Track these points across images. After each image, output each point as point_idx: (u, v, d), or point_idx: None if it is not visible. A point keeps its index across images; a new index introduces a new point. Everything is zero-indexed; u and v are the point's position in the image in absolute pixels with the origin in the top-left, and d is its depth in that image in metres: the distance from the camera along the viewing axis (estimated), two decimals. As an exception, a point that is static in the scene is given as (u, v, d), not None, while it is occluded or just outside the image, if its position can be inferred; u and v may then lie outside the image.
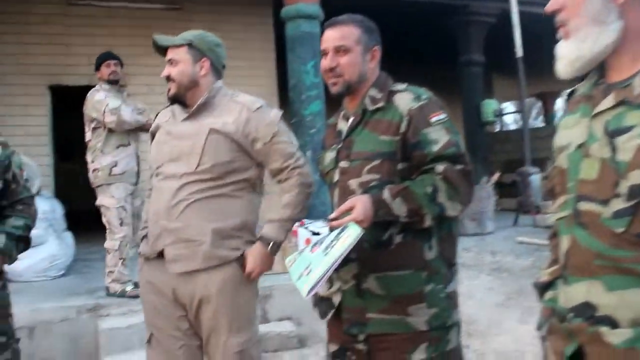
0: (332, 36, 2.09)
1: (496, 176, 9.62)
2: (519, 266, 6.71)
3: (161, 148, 2.52)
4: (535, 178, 9.47)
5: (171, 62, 2.51)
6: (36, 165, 6.09)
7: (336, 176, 2.11)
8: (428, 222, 1.94)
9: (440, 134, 1.98)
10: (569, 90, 1.55)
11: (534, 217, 9.13)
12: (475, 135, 10.21)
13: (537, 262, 6.79)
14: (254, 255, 2.44)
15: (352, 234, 1.82)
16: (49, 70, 7.26)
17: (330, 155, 2.16)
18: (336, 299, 2.08)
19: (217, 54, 2.59)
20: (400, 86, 2.11)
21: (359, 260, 1.99)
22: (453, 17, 9.77)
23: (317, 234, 5.40)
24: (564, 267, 1.38)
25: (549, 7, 1.40)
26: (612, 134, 1.28)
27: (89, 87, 4.99)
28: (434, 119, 2.00)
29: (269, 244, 2.46)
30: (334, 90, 2.11)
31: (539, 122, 21.54)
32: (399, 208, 1.90)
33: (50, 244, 5.59)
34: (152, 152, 2.59)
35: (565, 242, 1.37)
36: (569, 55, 1.37)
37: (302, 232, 5.40)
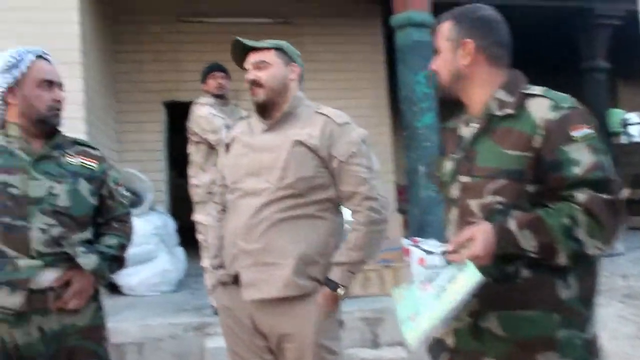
0: (434, 37, 1.92)
1: (626, 192, 8.94)
2: None
3: (239, 162, 2.33)
4: None
5: (259, 65, 2.33)
6: (150, 181, 6.20)
7: (455, 192, 1.84)
8: (561, 259, 1.62)
9: (583, 153, 1.63)
10: None
11: None
12: None
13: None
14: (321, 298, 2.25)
15: (469, 279, 1.57)
16: (162, 87, 7.46)
17: (449, 166, 1.89)
18: (449, 341, 1.80)
19: (301, 63, 2.44)
20: (536, 89, 1.77)
21: (478, 294, 1.65)
22: (576, 20, 9.35)
23: (431, 252, 5.17)
24: None
25: None
26: None
27: (200, 104, 4.98)
28: (577, 134, 1.65)
29: (336, 288, 2.25)
30: (439, 93, 1.93)
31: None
32: (527, 241, 1.62)
33: (161, 259, 5.68)
34: (227, 167, 2.41)
35: None
36: None
37: (415, 252, 5.16)
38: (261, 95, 2.30)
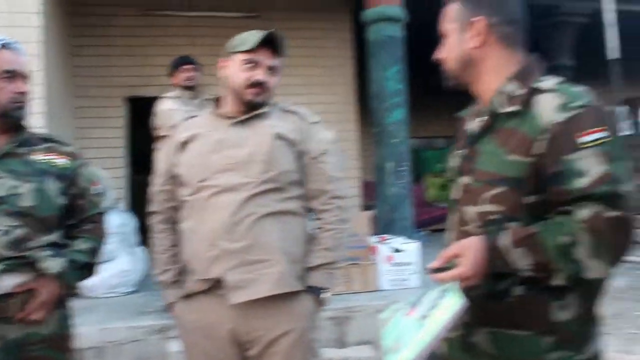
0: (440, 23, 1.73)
1: None
2: (614, 288, 6.28)
3: (207, 159, 2.16)
4: None
5: (273, 69, 2.23)
6: (110, 178, 6.03)
7: (457, 193, 1.68)
8: (559, 281, 1.45)
9: (591, 162, 1.41)
10: None
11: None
12: None
13: (635, 283, 6.55)
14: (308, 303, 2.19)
15: (452, 305, 1.43)
16: (127, 82, 7.31)
17: (454, 162, 1.73)
18: (442, 350, 1.69)
19: None
20: (549, 83, 1.54)
21: (470, 307, 1.50)
22: (543, 19, 9.46)
23: (399, 250, 5.11)
24: None
25: None
26: None
27: (167, 99, 4.86)
28: (584, 139, 1.42)
29: (320, 293, 2.19)
30: (446, 85, 1.73)
31: (626, 130, 20.68)
32: (522, 260, 1.44)
33: (121, 259, 5.52)
34: (190, 166, 2.21)
35: None
36: None
37: (383, 249, 5.10)
38: (263, 97, 2.20)
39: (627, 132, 18.55)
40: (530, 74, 1.58)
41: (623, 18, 8.95)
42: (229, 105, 2.26)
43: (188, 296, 2.18)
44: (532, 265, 1.44)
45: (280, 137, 2.15)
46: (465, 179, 1.63)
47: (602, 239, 1.38)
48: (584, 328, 1.54)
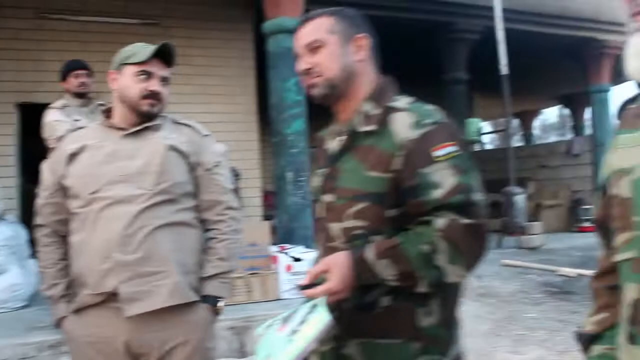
0: (301, 34, 1.70)
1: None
2: (506, 291, 6.67)
3: (98, 170, 2.13)
4: (520, 198, 9.56)
5: (166, 81, 2.24)
6: (0, 188, 5.77)
7: (322, 211, 1.71)
8: (422, 287, 1.52)
9: (445, 175, 1.50)
10: (623, 102, 1.28)
11: (519, 239, 9.23)
12: None
13: (524, 287, 6.83)
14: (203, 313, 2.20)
15: (319, 321, 1.45)
16: (18, 87, 7.02)
17: (316, 181, 1.76)
18: None
19: None
20: (402, 101, 1.62)
21: (340, 320, 1.55)
22: (438, 34, 9.91)
23: (298, 259, 5.18)
24: (632, 322, 1.12)
25: None
26: None
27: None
28: (437, 153, 1.51)
29: (216, 303, 2.20)
30: (315, 93, 1.68)
31: (516, 141, 21.81)
32: (387, 271, 1.50)
33: (11, 272, 5.28)
34: (80, 177, 2.16)
35: (631, 292, 1.12)
36: None
37: (283, 259, 5.15)
38: (158, 108, 2.20)
39: (519, 144, 19.60)
40: (384, 94, 1.65)
41: (514, 36, 9.48)
42: (120, 117, 2.24)
43: (79, 310, 2.14)
44: (397, 275, 1.49)
45: (173, 149, 2.16)
46: (328, 197, 1.67)
47: (459, 245, 1.47)
48: (448, 332, 1.62)
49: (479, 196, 1.50)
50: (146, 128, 2.21)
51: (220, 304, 2.20)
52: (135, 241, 2.05)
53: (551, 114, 31.60)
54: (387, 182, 1.54)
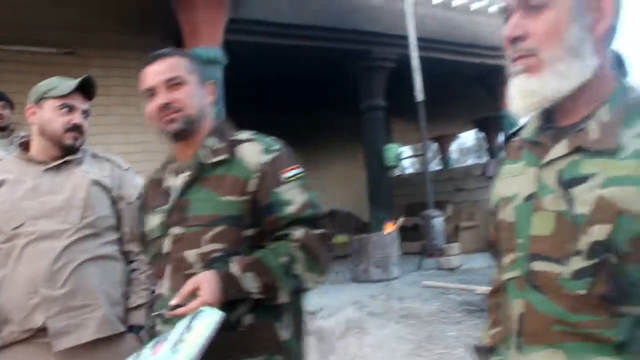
0: (158, 70, 1.79)
1: (400, 221, 9.87)
2: (426, 311, 6.81)
3: (19, 205, 2.15)
4: (438, 221, 9.73)
5: (86, 113, 2.29)
6: None
7: (166, 246, 1.76)
8: (283, 297, 1.68)
9: (295, 193, 1.72)
10: (508, 134, 1.45)
11: (438, 260, 9.37)
12: (377, 181, 10.44)
13: (443, 306, 6.98)
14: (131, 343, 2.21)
15: (210, 319, 1.52)
16: None
17: (156, 220, 1.81)
18: None
19: None
20: (245, 135, 1.82)
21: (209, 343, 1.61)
22: (355, 62, 10.08)
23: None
24: (518, 335, 1.25)
25: (510, 33, 1.25)
26: (568, 184, 1.17)
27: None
28: (287, 175, 1.74)
29: (142, 332, 2.22)
30: (173, 128, 1.75)
31: (435, 165, 22.41)
32: (251, 284, 1.62)
33: None
34: (1, 213, 2.16)
35: (517, 307, 1.25)
36: (543, 90, 1.22)
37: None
38: (80, 141, 2.26)
39: (438, 167, 20.15)
40: (225, 131, 1.83)
41: (429, 64, 9.77)
42: (40, 150, 2.25)
43: (3, 347, 2.12)
44: (260, 287, 1.64)
45: (96, 183, 2.20)
46: (175, 230, 1.74)
47: (314, 253, 1.69)
48: (299, 343, 1.79)
49: (322, 209, 1.75)
50: (67, 162, 2.24)
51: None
52: (62, 276, 2.07)
53: (468, 137, 32.64)
54: (243, 204, 1.70)
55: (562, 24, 1.20)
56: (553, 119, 1.28)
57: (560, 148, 1.21)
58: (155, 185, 1.89)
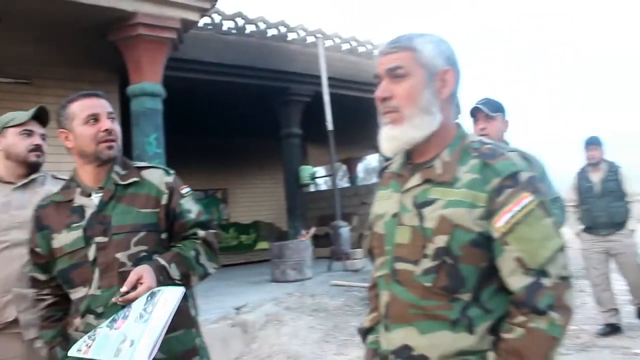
0: (102, 104, 1.89)
1: (313, 230, 9.84)
2: (333, 306, 6.87)
3: None
4: (345, 230, 9.73)
5: (43, 136, 2.35)
6: None
7: (92, 254, 1.81)
8: (195, 282, 1.91)
9: (191, 204, 1.96)
10: (381, 167, 1.60)
11: (344, 263, 9.37)
12: (294, 196, 10.45)
13: (348, 302, 7.06)
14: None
15: (173, 294, 1.64)
16: None
17: (73, 235, 1.83)
18: None
19: None
20: (144, 163, 2.01)
21: None
22: (275, 97, 10.07)
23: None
24: (385, 317, 1.40)
25: (380, 94, 1.39)
26: (420, 206, 1.33)
27: None
28: (184, 191, 1.96)
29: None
30: (110, 153, 1.85)
31: (344, 183, 22.57)
32: (175, 272, 1.81)
33: None
34: None
35: (385, 296, 1.40)
36: (403, 137, 1.37)
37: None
38: (41, 159, 2.31)
39: (346, 185, 20.29)
40: (127, 161, 1.96)
41: (338, 99, 9.89)
42: (6, 172, 2.31)
43: None
44: (181, 274, 1.83)
45: None
46: (99, 239, 1.82)
47: (211, 247, 1.96)
48: (198, 318, 2.01)
49: (210, 216, 1.92)
50: (32, 181, 2.29)
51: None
52: (26, 278, 2.09)
53: (373, 159, 33.09)
54: (158, 214, 1.89)
55: (417, 90, 1.35)
56: (411, 157, 1.43)
57: (415, 179, 1.36)
58: (58, 206, 1.91)
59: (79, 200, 1.87)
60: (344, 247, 9.54)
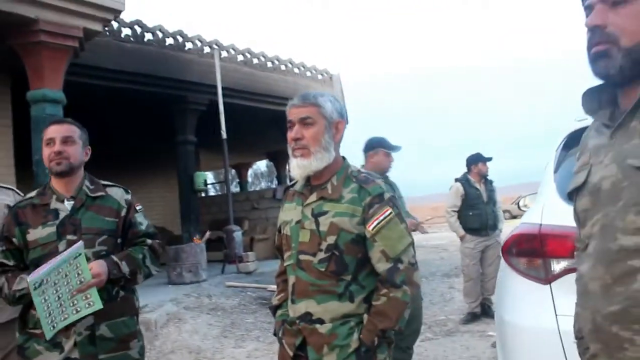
0: (59, 129, 2.23)
1: (208, 234, 9.96)
2: (229, 305, 7.13)
3: None
4: (238, 234, 9.91)
5: None
6: None
7: (62, 247, 2.14)
8: (140, 280, 2.28)
9: (143, 218, 2.37)
10: (287, 187, 2.04)
11: (238, 265, 9.58)
12: (189, 201, 10.49)
13: (243, 301, 7.33)
14: None
15: (75, 246, 2.06)
16: None
17: (47, 230, 2.17)
18: (74, 354, 2.13)
19: None
20: (108, 182, 2.38)
21: (94, 314, 2.10)
22: (172, 105, 10.03)
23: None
24: (292, 293, 1.84)
25: (293, 135, 1.79)
26: (316, 215, 1.79)
27: None
28: (138, 207, 2.37)
29: None
30: (59, 169, 2.19)
31: (234, 188, 22.52)
32: (125, 268, 2.18)
33: None
34: None
35: (292, 279, 1.85)
36: (310, 167, 1.79)
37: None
38: None
39: (237, 190, 20.21)
40: (93, 179, 2.35)
41: (232, 108, 10.11)
42: None
43: None
44: (129, 271, 2.20)
45: (7, 206, 2.44)
46: (70, 236, 2.17)
47: (155, 253, 2.35)
48: (139, 309, 2.40)
49: (154, 228, 2.42)
50: None
51: None
52: None
53: (261, 164, 33.17)
54: (117, 223, 2.28)
55: (320, 134, 1.82)
56: (310, 181, 1.87)
57: (313, 196, 1.86)
58: (35, 207, 2.24)
59: (54, 204, 2.24)
60: (236, 250, 9.71)
